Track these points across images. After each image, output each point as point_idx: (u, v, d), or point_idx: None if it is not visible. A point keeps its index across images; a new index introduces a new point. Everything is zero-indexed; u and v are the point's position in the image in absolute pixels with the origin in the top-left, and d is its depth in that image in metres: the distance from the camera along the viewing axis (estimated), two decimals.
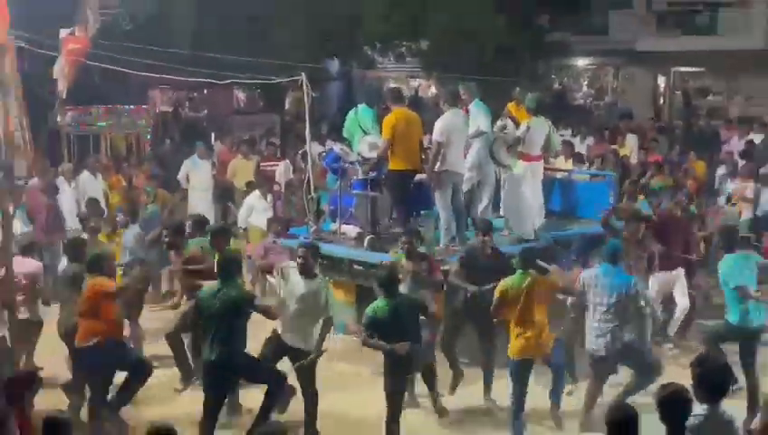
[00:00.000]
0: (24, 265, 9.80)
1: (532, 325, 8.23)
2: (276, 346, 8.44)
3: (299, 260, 8.53)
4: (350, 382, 9.63)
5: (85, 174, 14.52)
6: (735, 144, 17.79)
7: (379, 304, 7.97)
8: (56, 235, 12.63)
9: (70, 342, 8.70)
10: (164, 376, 9.68)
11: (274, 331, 8.55)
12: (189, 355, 9.56)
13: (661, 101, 30.42)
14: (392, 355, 7.82)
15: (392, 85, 17.68)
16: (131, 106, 18.85)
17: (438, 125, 10.39)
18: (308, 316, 8.37)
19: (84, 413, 8.53)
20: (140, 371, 8.54)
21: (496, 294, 8.38)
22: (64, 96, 9.09)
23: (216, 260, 8.49)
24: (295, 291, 8.36)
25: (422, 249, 9.93)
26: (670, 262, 10.51)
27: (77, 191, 14.15)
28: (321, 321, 8.39)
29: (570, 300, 8.73)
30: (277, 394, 8.10)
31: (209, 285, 8.07)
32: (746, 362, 8.55)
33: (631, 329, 8.44)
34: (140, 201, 13.66)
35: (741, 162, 15.42)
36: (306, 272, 8.44)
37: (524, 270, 8.33)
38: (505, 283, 8.34)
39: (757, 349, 8.66)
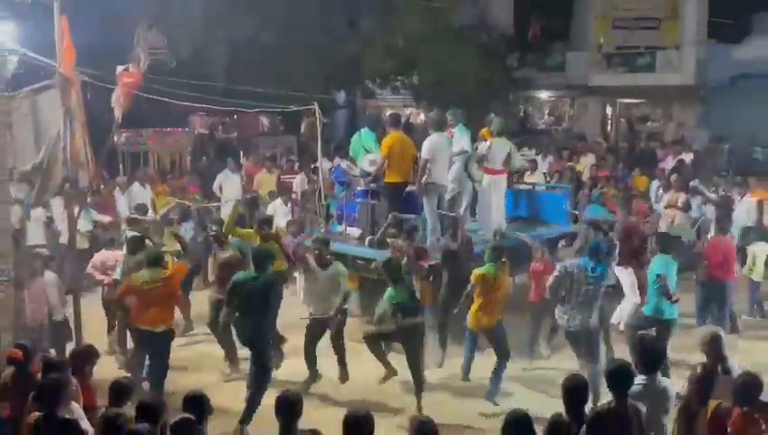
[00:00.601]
0: (108, 256, 10.01)
1: (491, 307, 8.45)
2: (314, 326, 8.77)
3: (314, 253, 8.67)
4: (355, 355, 9.53)
5: (136, 185, 14.54)
6: (669, 162, 17.81)
7: (391, 292, 8.20)
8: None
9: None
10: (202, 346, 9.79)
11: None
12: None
13: (609, 126, 30.42)
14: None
15: (392, 112, 17.65)
16: (175, 129, 18.83)
17: (426, 145, 10.39)
18: (327, 295, 8.62)
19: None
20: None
21: (473, 280, 8.50)
22: (120, 121, 9.03)
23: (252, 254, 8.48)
24: (315, 278, 8.66)
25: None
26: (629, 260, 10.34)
27: (129, 198, 14.18)
28: (340, 294, 8.59)
29: (548, 282, 8.49)
30: (262, 383, 7.93)
31: (248, 271, 8.13)
32: None
33: (588, 312, 8.23)
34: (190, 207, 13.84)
35: (674, 177, 15.42)
36: (321, 262, 8.63)
37: (494, 262, 8.47)
38: (480, 271, 8.49)
39: (668, 336, 8.49)
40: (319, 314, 8.70)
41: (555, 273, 8.42)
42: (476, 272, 8.55)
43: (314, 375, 8.82)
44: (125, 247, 9.87)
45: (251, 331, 7.93)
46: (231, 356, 9.31)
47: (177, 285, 8.37)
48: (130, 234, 10.31)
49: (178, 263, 8.85)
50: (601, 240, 9.47)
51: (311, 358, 8.82)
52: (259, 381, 7.93)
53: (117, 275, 9.77)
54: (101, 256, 10.22)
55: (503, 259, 8.65)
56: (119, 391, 5.59)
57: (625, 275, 10.24)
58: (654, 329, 8.46)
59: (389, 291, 8.30)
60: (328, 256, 8.83)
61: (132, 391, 5.72)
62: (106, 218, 12.99)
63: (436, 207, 10.51)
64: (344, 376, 8.81)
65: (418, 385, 8.22)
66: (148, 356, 8.35)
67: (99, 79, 8.92)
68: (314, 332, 8.80)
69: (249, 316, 7.92)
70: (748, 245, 11.70)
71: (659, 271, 8.61)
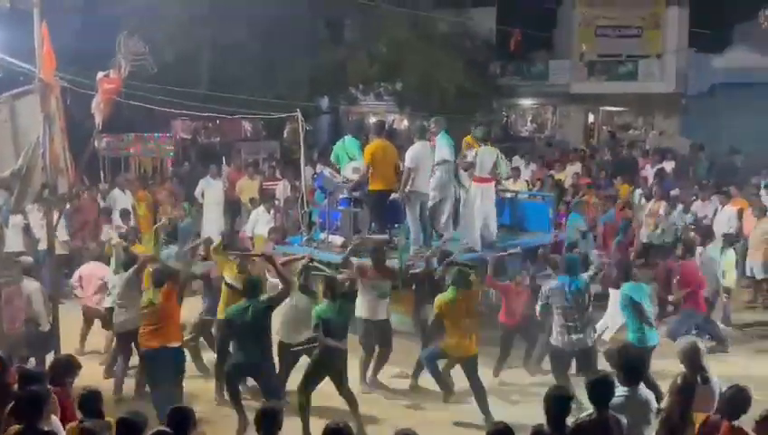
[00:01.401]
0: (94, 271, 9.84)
1: (463, 331, 8.21)
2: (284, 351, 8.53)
3: (300, 280, 8.61)
4: None
5: (116, 191, 14.43)
6: (650, 171, 17.92)
7: (323, 306, 8.00)
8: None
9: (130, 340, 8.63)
10: None
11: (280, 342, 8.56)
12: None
13: (591, 134, 30.59)
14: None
15: (375, 119, 17.51)
16: (156, 134, 18.71)
17: (409, 154, 10.35)
18: (303, 322, 8.39)
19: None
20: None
21: (435, 309, 8.31)
22: (100, 127, 8.95)
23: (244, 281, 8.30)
24: (294, 304, 8.45)
25: (395, 256, 9.96)
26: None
27: (110, 205, 14.05)
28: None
29: (538, 305, 8.50)
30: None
31: (237, 304, 7.97)
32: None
33: (587, 326, 8.22)
34: (178, 217, 13.71)
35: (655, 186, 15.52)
36: (305, 290, 8.59)
37: (457, 287, 8.27)
38: (441, 298, 8.29)
39: (649, 361, 8.37)
40: (292, 341, 8.50)
41: (540, 302, 8.39)
42: (439, 298, 8.32)
43: None
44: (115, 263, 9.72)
45: (251, 359, 7.76)
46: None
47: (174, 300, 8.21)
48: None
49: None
50: (577, 254, 9.51)
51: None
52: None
53: (108, 301, 9.51)
54: (87, 270, 9.94)
55: (469, 283, 8.45)
56: (86, 400, 5.56)
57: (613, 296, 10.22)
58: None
59: (321, 305, 8.08)
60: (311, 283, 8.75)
61: (100, 400, 5.68)
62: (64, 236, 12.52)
63: (418, 215, 10.48)
64: None
65: (353, 405, 7.98)
66: (158, 379, 8.02)
67: (79, 85, 8.85)
68: (288, 361, 8.56)
69: (246, 348, 7.77)
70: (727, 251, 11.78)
71: (638, 299, 8.38)
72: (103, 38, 9.27)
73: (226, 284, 8.92)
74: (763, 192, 14.81)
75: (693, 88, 27.44)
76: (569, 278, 8.23)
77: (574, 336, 8.11)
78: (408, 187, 10.25)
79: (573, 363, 8.34)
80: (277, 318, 8.32)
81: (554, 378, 8.35)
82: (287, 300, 8.24)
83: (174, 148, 19.36)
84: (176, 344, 8.01)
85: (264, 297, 7.89)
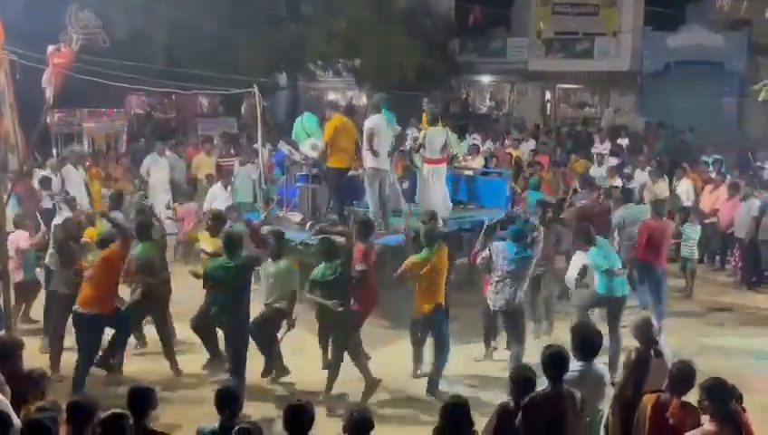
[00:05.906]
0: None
1: (435, 292, 8.16)
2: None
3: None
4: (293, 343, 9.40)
5: (69, 166, 14.10)
6: (603, 147, 18.13)
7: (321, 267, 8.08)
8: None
9: None
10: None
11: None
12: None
13: (548, 111, 30.85)
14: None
15: (331, 97, 17.47)
16: (111, 109, 18.34)
17: (368, 123, 10.24)
18: (278, 289, 8.41)
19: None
20: None
21: (405, 265, 8.17)
22: (51, 102, 8.74)
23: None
24: (267, 270, 8.50)
25: None
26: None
27: (62, 180, 13.73)
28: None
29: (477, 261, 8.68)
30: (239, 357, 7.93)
31: (218, 260, 7.89)
32: (612, 326, 8.67)
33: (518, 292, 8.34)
34: (128, 191, 13.44)
35: (611, 161, 15.71)
36: (273, 255, 8.55)
37: (429, 248, 8.15)
38: (414, 258, 8.18)
39: (620, 314, 8.74)
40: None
41: (483, 254, 8.50)
42: (411, 259, 8.21)
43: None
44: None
45: (224, 313, 7.80)
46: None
47: (110, 267, 8.08)
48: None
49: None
50: (528, 225, 9.56)
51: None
52: (235, 365, 7.80)
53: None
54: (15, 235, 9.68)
55: (438, 242, 8.32)
56: (29, 380, 5.50)
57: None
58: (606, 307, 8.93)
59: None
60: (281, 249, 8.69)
61: (43, 380, 5.63)
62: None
63: (378, 192, 10.43)
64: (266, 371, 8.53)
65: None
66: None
67: (29, 59, 8.60)
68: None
69: (222, 302, 7.80)
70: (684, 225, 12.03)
71: (601, 265, 8.78)
72: (54, 11, 9.01)
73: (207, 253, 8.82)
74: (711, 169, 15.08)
75: (648, 66, 27.81)
76: (514, 244, 8.31)
77: (496, 300, 8.33)
78: (369, 162, 10.15)
79: None
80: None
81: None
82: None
83: (128, 123, 18.99)
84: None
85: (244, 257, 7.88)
